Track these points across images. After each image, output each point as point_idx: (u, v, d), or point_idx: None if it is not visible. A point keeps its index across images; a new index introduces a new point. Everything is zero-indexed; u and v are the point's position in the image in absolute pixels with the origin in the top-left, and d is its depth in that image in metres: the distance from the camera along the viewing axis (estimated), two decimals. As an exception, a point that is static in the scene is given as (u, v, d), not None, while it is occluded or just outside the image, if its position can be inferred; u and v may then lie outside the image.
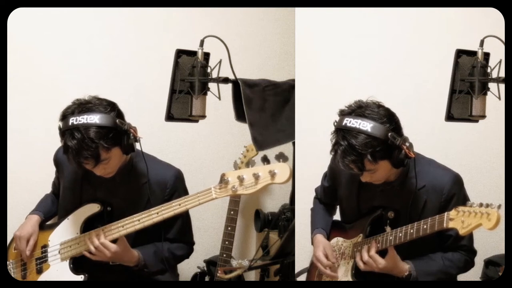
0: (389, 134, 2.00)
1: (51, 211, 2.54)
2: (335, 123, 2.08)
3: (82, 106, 2.17)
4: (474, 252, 2.25)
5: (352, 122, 2.01)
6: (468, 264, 2.24)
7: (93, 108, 2.16)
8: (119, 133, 2.18)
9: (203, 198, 2.10)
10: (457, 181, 2.18)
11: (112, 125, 2.16)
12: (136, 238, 2.32)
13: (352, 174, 2.31)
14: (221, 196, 2.08)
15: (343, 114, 2.07)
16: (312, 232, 2.48)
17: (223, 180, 2.05)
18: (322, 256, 2.32)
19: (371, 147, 1.98)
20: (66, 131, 2.13)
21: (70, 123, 2.12)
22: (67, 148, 2.13)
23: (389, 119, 2.04)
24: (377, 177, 2.11)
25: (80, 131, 2.11)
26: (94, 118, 2.13)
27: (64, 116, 2.17)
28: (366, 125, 1.99)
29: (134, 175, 2.36)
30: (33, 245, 2.38)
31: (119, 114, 2.22)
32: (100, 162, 2.17)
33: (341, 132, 2.02)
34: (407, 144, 2.03)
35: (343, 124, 2.03)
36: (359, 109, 2.05)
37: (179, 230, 2.42)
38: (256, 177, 2.00)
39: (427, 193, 2.16)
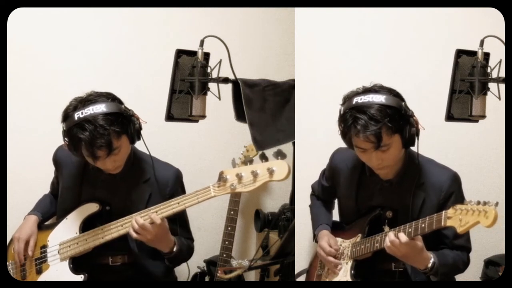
0: (402, 103, 2.06)
1: (49, 211, 2.53)
2: (342, 108, 2.10)
3: (83, 101, 2.17)
4: (470, 251, 2.25)
5: (363, 99, 2.05)
6: (468, 262, 2.25)
7: (95, 99, 2.17)
8: (125, 118, 2.19)
9: (202, 196, 2.10)
10: (456, 179, 2.19)
11: (119, 110, 2.17)
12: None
13: (351, 172, 2.32)
14: (220, 194, 2.08)
15: (349, 98, 2.09)
16: (315, 229, 2.48)
17: (221, 178, 2.05)
18: (325, 244, 2.32)
19: (388, 116, 2.01)
20: (74, 127, 2.11)
21: (76, 118, 2.12)
22: (79, 141, 2.11)
23: (397, 93, 2.10)
24: (388, 157, 2.10)
25: (90, 122, 2.10)
26: (100, 107, 2.13)
27: (67, 115, 2.16)
28: (379, 97, 2.04)
29: (134, 173, 2.36)
30: (33, 245, 2.37)
31: (120, 102, 2.24)
32: (112, 151, 2.16)
33: (355, 110, 2.04)
34: (416, 118, 2.08)
35: (354, 102, 2.05)
36: (367, 89, 2.10)
37: (181, 227, 2.41)
38: (255, 174, 2.00)
39: (426, 192, 2.16)
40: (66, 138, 2.18)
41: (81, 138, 2.10)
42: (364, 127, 2.00)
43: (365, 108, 2.02)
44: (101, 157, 2.16)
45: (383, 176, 2.22)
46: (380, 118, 2.00)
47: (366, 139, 2.02)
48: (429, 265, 2.06)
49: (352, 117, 2.03)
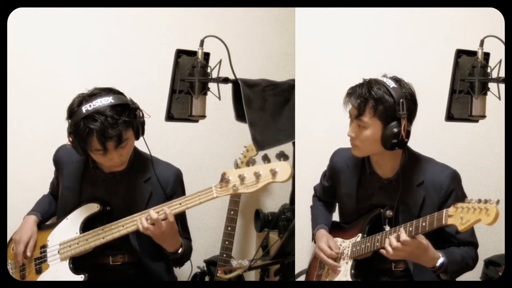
0: (401, 100, 2.06)
1: (49, 212, 2.53)
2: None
3: (88, 96, 2.18)
4: (477, 246, 2.24)
5: (379, 78, 2.14)
6: (477, 258, 2.23)
7: (100, 93, 2.18)
8: (132, 110, 2.20)
9: (204, 197, 2.10)
10: (456, 177, 2.19)
11: (126, 102, 2.19)
12: (138, 237, 2.31)
13: (351, 171, 2.32)
14: (222, 195, 2.07)
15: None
16: (313, 229, 2.48)
17: (224, 179, 2.05)
18: (325, 246, 2.32)
19: (381, 97, 2.07)
20: (83, 119, 2.11)
21: (84, 111, 2.12)
22: (90, 133, 2.10)
23: (411, 95, 2.14)
24: (362, 138, 2.13)
25: (100, 113, 2.11)
26: (108, 99, 2.14)
27: (72, 111, 2.17)
28: (390, 83, 2.11)
29: (135, 173, 2.36)
30: (33, 246, 2.37)
31: (124, 96, 2.25)
32: (121, 143, 2.16)
33: (367, 81, 2.14)
34: (408, 127, 2.07)
35: (370, 78, 2.15)
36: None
37: (180, 227, 2.41)
38: (257, 175, 2.00)
39: (426, 190, 2.16)
40: (72, 135, 2.18)
41: (92, 128, 2.10)
42: (358, 88, 2.13)
43: (373, 81, 2.12)
44: (110, 149, 2.16)
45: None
46: (374, 92, 2.09)
47: (349, 97, 2.15)
48: (437, 264, 2.05)
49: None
